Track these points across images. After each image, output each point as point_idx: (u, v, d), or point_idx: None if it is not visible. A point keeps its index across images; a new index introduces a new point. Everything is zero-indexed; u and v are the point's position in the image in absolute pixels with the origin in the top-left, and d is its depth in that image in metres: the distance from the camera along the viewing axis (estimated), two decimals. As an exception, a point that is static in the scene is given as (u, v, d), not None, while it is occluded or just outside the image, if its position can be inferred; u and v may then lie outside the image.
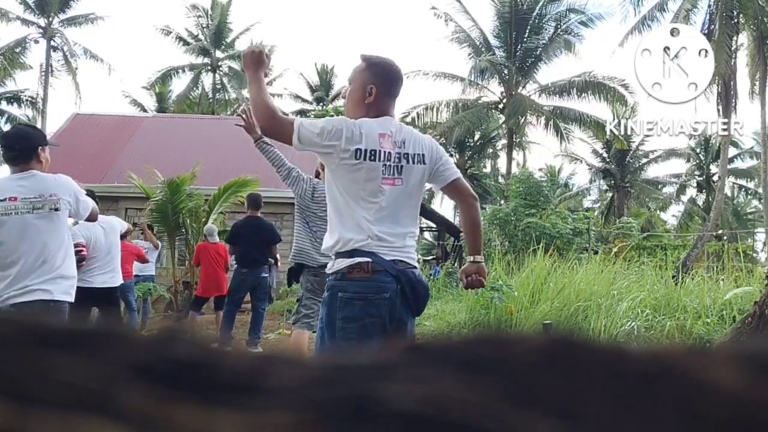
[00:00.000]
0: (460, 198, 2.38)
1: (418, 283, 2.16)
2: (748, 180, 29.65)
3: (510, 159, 22.47)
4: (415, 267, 2.19)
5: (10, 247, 2.71)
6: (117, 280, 5.17)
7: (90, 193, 5.26)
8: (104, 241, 5.10)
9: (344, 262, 2.11)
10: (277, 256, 6.71)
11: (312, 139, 2.12)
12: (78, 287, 5.09)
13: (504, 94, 21.57)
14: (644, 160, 28.94)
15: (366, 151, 2.11)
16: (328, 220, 2.21)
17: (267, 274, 6.38)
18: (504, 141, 24.38)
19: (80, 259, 5.20)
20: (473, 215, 2.37)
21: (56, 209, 2.79)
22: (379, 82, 2.23)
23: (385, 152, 2.14)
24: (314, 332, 4.74)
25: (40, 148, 2.88)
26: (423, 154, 2.23)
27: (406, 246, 2.17)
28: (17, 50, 24.60)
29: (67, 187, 2.88)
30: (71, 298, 2.87)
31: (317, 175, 4.69)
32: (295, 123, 2.14)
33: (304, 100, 34.77)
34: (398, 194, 2.16)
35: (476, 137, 28.15)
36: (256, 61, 2.25)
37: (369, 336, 2.06)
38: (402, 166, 2.17)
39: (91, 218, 3.20)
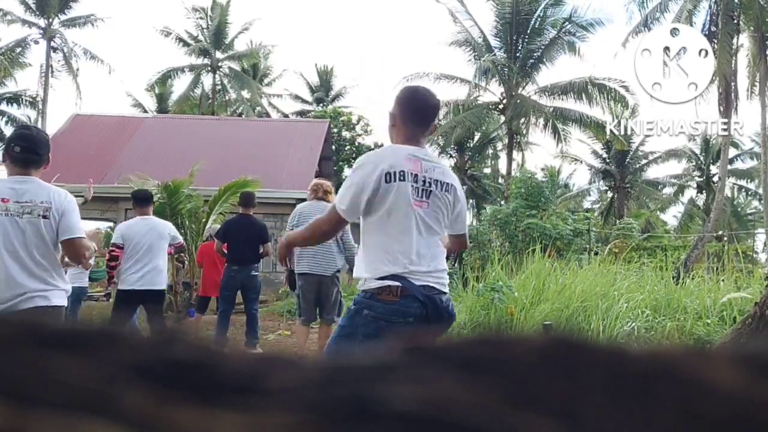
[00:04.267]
0: (457, 247, 2.55)
1: (444, 309, 2.21)
2: (749, 181, 29.64)
3: (510, 160, 22.47)
4: (444, 293, 2.23)
5: None
6: (158, 282, 5.18)
7: (146, 193, 5.52)
8: (143, 241, 5.12)
9: (375, 283, 2.18)
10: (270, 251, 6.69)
11: (352, 211, 2.23)
12: (120, 290, 5.18)
13: (504, 94, 21.58)
14: (644, 161, 28.95)
15: (394, 173, 2.19)
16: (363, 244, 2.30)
17: (257, 273, 6.38)
18: (504, 141, 24.38)
19: (112, 259, 5.24)
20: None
21: (44, 217, 2.73)
22: (401, 110, 2.35)
23: (412, 174, 2.21)
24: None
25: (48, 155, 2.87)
26: (452, 185, 2.31)
27: (438, 270, 2.22)
28: (17, 51, 24.63)
29: (64, 200, 2.79)
30: (61, 303, 2.81)
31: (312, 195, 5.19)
32: (336, 211, 2.27)
33: (304, 101, 34.78)
34: (426, 217, 2.21)
35: (476, 138, 28.15)
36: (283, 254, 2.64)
37: None
38: (430, 191, 2.23)
39: (72, 254, 2.91)
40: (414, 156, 2.24)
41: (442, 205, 2.26)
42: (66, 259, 3.03)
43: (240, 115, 28.70)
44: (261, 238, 6.34)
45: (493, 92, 22.09)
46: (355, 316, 2.19)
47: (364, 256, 2.25)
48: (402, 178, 2.18)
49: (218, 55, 28.78)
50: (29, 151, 2.76)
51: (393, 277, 2.15)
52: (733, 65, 16.72)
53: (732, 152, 24.94)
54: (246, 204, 6.45)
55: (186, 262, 6.16)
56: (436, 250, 2.24)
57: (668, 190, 30.25)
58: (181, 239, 5.58)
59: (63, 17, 25.79)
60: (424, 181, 2.22)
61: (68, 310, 8.19)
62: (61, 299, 2.80)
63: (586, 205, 30.53)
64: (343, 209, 2.21)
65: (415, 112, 2.36)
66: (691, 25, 15.58)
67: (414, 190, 2.20)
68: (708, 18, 16.66)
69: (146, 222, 5.29)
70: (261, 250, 6.33)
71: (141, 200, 5.45)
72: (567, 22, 20.75)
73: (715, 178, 25.60)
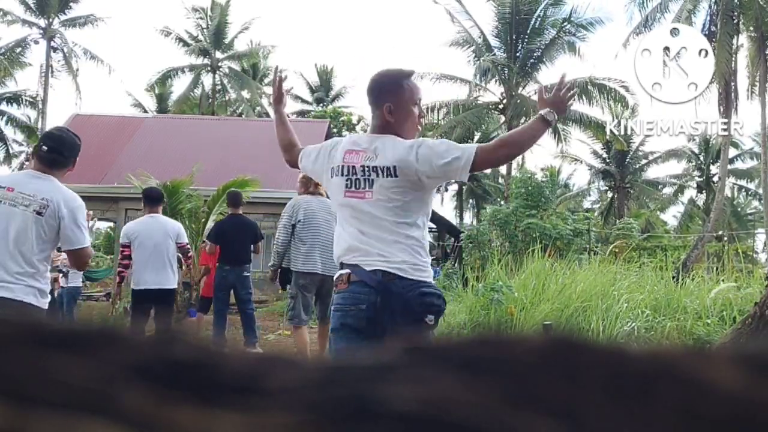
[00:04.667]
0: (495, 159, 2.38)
1: (395, 296, 2.08)
2: (749, 181, 29.65)
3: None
4: (401, 278, 2.09)
5: None
6: (168, 281, 5.16)
7: (157, 192, 5.47)
8: (151, 239, 5.09)
9: (336, 274, 2.22)
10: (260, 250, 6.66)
11: (306, 166, 2.46)
12: (133, 290, 5.14)
13: (504, 94, 21.57)
14: (644, 161, 28.95)
15: (334, 168, 2.27)
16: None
17: (249, 273, 6.37)
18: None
19: (124, 258, 5.24)
20: (513, 136, 2.30)
21: (38, 213, 2.70)
22: (393, 99, 2.38)
23: (349, 167, 2.21)
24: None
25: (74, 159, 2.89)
26: (394, 167, 2.14)
27: (392, 254, 2.11)
28: (17, 51, 24.64)
29: (69, 202, 2.77)
30: (39, 304, 2.74)
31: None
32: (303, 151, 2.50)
33: (304, 101, 34.78)
34: (372, 207, 2.15)
35: (476, 138, 28.15)
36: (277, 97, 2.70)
37: (350, 345, 2.08)
38: (372, 180, 2.16)
39: (75, 263, 2.96)
40: (355, 149, 2.24)
41: (393, 192, 2.14)
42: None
43: (240, 115, 28.71)
44: (253, 238, 6.34)
45: (493, 92, 22.10)
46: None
47: None
48: (338, 173, 2.25)
49: (218, 55, 28.78)
50: (55, 151, 2.80)
51: (345, 265, 2.16)
52: (732, 65, 16.73)
53: (732, 152, 24.95)
54: (234, 204, 6.45)
55: (189, 264, 6.07)
56: (392, 237, 2.12)
57: (668, 190, 30.26)
58: (186, 240, 5.50)
59: (63, 17, 25.81)
60: (364, 171, 2.17)
61: (65, 309, 8.05)
62: (29, 296, 2.70)
63: (586, 205, 30.55)
64: (305, 155, 2.55)
65: (412, 97, 2.32)
66: (691, 25, 15.58)
67: (349, 183, 2.19)
68: (708, 18, 16.68)
69: (154, 220, 5.24)
70: (252, 249, 6.34)
71: (151, 199, 5.39)
72: (566, 22, 20.75)
73: (715, 178, 25.60)
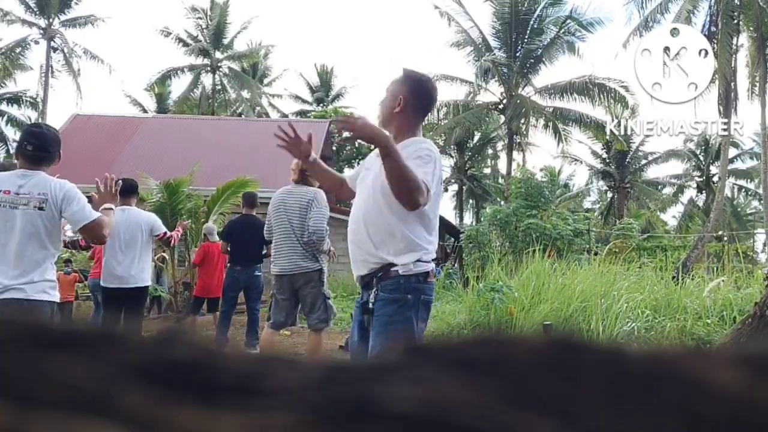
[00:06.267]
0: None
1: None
2: (749, 181, 29.63)
3: (510, 160, 22.44)
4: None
5: None
6: (141, 278, 4.78)
7: (130, 182, 4.99)
8: (123, 233, 4.67)
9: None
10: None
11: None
12: (103, 287, 4.79)
13: (504, 94, 21.58)
14: (644, 161, 28.94)
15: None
16: None
17: (260, 273, 6.36)
18: (504, 142, 24.37)
19: (86, 248, 4.96)
20: None
21: (40, 208, 2.76)
22: (416, 99, 2.29)
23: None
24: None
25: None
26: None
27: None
28: (17, 51, 24.63)
29: (59, 190, 2.81)
30: (51, 298, 2.80)
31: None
32: (425, 191, 2.18)
33: (304, 101, 34.78)
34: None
35: (476, 138, 28.15)
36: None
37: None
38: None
39: (91, 234, 2.95)
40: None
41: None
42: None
43: (240, 115, 28.70)
44: (263, 238, 6.32)
45: (492, 92, 22.10)
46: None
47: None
48: None
49: (218, 55, 28.78)
50: (41, 149, 2.83)
51: None
52: (732, 65, 16.72)
53: (732, 152, 24.95)
54: (250, 204, 6.43)
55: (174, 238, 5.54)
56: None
57: (668, 190, 30.26)
58: (163, 229, 5.07)
59: (63, 17, 25.80)
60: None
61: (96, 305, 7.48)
62: (40, 293, 2.75)
63: (586, 205, 30.54)
64: (427, 195, 2.09)
65: (428, 106, 2.36)
66: (691, 25, 15.58)
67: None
68: (708, 18, 16.67)
69: (125, 212, 4.76)
70: (264, 251, 6.29)
71: (123, 190, 4.71)
72: (568, 19, 20.76)
73: (715, 178, 25.60)
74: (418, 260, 2.20)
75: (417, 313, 2.19)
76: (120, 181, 3.30)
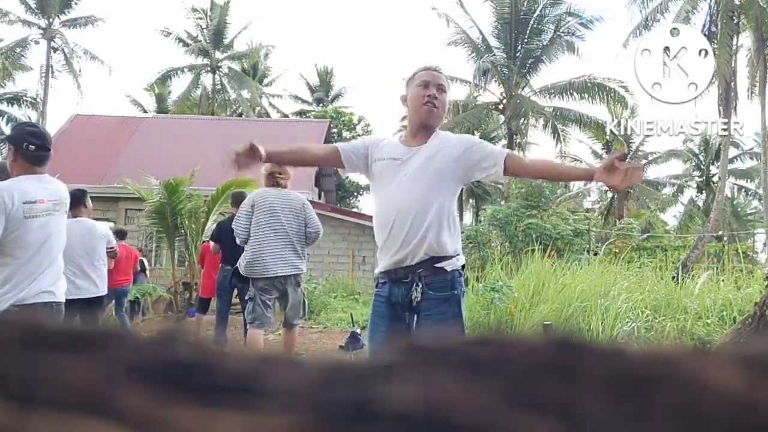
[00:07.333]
0: None
1: None
2: (749, 181, 29.64)
3: (510, 160, 22.39)
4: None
5: (33, 247, 2.74)
6: (97, 288, 4.68)
7: (78, 193, 4.94)
8: (77, 245, 4.50)
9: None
10: None
11: None
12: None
13: (504, 94, 21.57)
14: (644, 161, 28.93)
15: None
16: None
17: None
18: (504, 141, 24.36)
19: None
20: None
21: (65, 212, 2.94)
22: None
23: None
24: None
25: None
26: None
27: None
28: (18, 51, 24.63)
29: (67, 195, 3.00)
30: (62, 298, 2.94)
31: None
32: None
33: (303, 101, 34.79)
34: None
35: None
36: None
37: None
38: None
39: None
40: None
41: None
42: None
43: (240, 115, 28.70)
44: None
45: (492, 92, 22.08)
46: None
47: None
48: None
49: (218, 55, 28.78)
50: (43, 148, 2.83)
51: None
52: (732, 65, 16.72)
53: (732, 152, 24.94)
54: (237, 204, 6.43)
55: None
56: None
57: (668, 190, 30.26)
58: (114, 244, 5.05)
59: (63, 17, 25.79)
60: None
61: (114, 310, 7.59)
62: (62, 295, 2.90)
63: (586, 205, 30.55)
64: None
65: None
66: (691, 25, 15.58)
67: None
68: (708, 18, 16.67)
69: (80, 223, 4.66)
70: None
71: (72, 201, 4.30)
72: (568, 15, 20.76)
73: (715, 178, 25.60)
74: (459, 254, 2.30)
75: (461, 306, 2.26)
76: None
